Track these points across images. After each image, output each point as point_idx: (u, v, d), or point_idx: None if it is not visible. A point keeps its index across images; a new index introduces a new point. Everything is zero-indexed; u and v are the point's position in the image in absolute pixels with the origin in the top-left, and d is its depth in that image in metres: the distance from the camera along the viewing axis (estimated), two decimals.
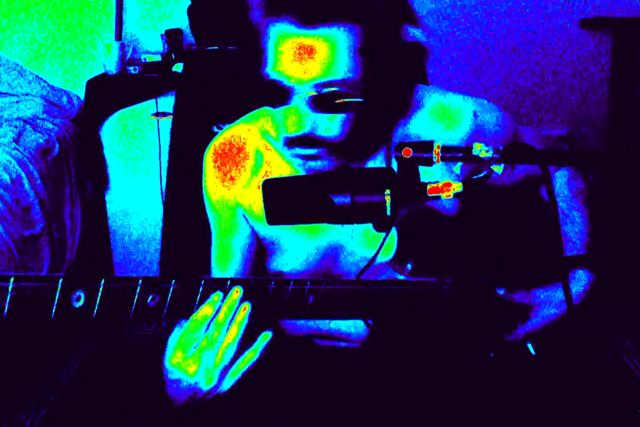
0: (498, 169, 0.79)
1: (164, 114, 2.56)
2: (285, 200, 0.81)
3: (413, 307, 0.99)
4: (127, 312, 0.79)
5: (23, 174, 2.18)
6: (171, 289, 0.81)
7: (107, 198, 2.72)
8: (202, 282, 0.83)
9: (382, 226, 0.83)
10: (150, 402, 1.25)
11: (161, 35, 2.61)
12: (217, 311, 0.84)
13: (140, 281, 0.78)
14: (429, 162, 0.79)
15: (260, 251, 1.20)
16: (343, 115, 0.92)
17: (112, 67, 2.50)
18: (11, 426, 1.85)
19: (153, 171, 2.63)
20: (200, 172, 1.17)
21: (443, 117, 1.07)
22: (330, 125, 0.93)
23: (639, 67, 2.77)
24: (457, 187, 0.80)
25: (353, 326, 1.14)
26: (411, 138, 1.07)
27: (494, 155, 0.77)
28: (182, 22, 2.60)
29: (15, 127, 2.39)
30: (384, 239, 0.93)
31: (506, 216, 1.20)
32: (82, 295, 0.75)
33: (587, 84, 2.84)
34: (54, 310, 0.73)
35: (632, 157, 0.86)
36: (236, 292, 0.84)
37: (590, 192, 1.22)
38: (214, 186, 1.15)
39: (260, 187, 0.81)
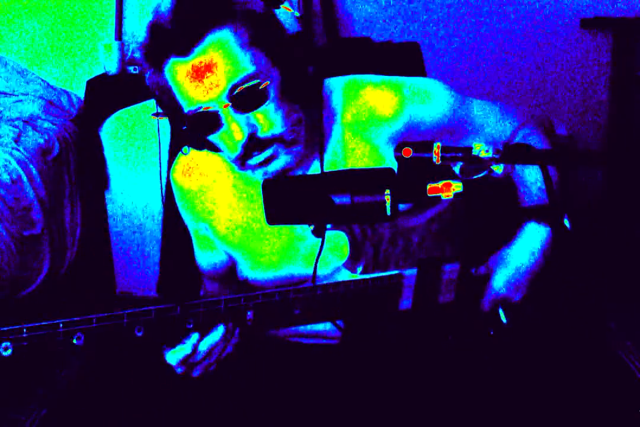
0: (498, 169, 0.79)
1: (164, 114, 2.56)
2: (285, 200, 0.81)
3: (372, 302, 1.01)
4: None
5: (23, 174, 2.18)
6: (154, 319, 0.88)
7: (107, 198, 2.71)
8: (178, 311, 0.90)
9: (318, 231, 0.86)
10: (150, 402, 1.26)
11: None
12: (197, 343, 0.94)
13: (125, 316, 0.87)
14: (429, 162, 0.79)
15: (230, 259, 1.23)
16: (271, 109, 0.96)
17: (112, 67, 2.50)
18: (11, 426, 1.85)
19: (153, 171, 2.63)
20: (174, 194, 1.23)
21: (370, 104, 1.09)
22: (267, 121, 0.97)
23: (639, 67, 2.77)
24: (457, 187, 0.80)
25: (327, 325, 1.14)
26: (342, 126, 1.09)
27: (494, 155, 0.78)
28: None
29: (15, 127, 2.39)
30: (322, 244, 0.96)
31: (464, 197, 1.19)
32: (82, 336, 0.84)
33: (587, 84, 2.84)
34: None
35: (632, 157, 0.86)
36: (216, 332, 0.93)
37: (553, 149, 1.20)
38: (182, 203, 1.21)
39: (260, 187, 0.81)
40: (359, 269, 1.05)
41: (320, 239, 0.99)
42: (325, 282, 1.01)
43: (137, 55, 1.00)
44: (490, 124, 1.17)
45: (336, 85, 1.12)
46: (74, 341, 0.85)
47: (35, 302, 2.21)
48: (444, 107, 1.11)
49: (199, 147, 1.02)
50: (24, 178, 2.18)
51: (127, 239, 2.78)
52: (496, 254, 1.11)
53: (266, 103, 0.96)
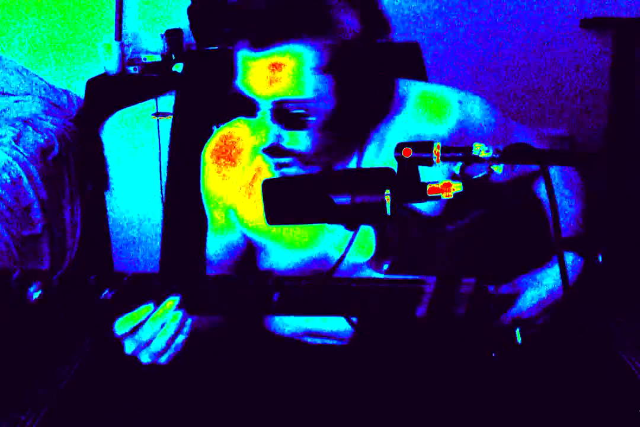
0: (498, 169, 0.79)
1: (164, 114, 2.56)
2: (285, 201, 0.81)
3: (392, 305, 1.00)
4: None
5: (23, 174, 2.18)
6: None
7: (107, 198, 2.71)
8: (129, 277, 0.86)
9: (351, 225, 0.85)
10: (150, 402, 1.26)
11: (161, 35, 2.61)
12: (149, 316, 0.89)
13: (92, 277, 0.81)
14: (429, 162, 0.79)
15: (248, 250, 1.22)
16: (305, 134, 0.95)
17: (112, 67, 2.50)
18: (11, 426, 1.85)
19: (153, 171, 2.63)
20: (200, 172, 1.19)
21: (427, 107, 1.08)
22: (294, 139, 0.96)
23: (639, 67, 2.77)
24: (457, 187, 0.80)
25: (337, 325, 1.14)
26: (396, 132, 1.08)
27: (494, 155, 0.78)
28: (182, 22, 2.60)
29: (15, 127, 2.39)
30: (353, 237, 0.94)
31: (494, 211, 1.20)
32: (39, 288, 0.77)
33: (587, 84, 2.84)
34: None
35: (632, 157, 0.86)
36: (169, 303, 0.88)
37: (585, 187, 1.21)
38: (209, 182, 1.17)
39: (260, 187, 0.81)
40: (386, 266, 1.03)
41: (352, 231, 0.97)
42: (354, 275, 0.99)
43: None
44: None
45: (411, 91, 1.10)
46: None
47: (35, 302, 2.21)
48: (487, 126, 1.12)
49: (241, 113, 1.02)
50: (24, 178, 2.18)
51: (127, 239, 2.78)
52: (527, 275, 1.11)
53: (304, 129, 0.95)
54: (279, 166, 0.99)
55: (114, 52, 2.49)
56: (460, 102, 1.09)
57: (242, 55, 0.94)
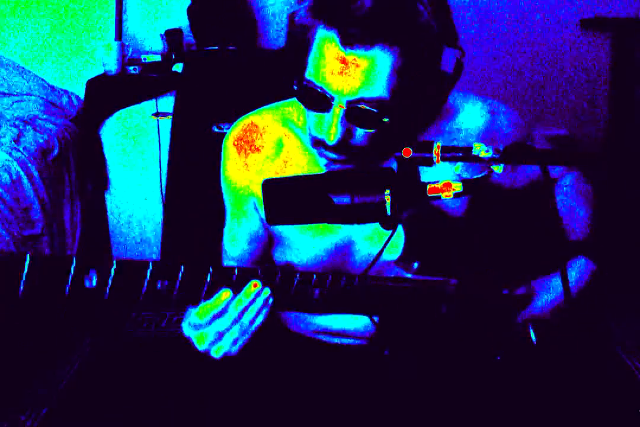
0: (498, 169, 0.79)
1: (164, 114, 2.56)
2: (285, 200, 0.81)
3: (418, 305, 0.99)
4: (137, 295, 0.80)
5: (23, 174, 2.18)
6: (180, 275, 0.82)
7: (107, 198, 2.71)
8: (210, 270, 0.85)
9: (388, 224, 0.84)
10: (150, 402, 1.26)
11: (161, 35, 2.61)
12: (228, 304, 0.88)
13: (150, 265, 0.79)
14: (429, 162, 0.79)
15: (268, 241, 1.21)
16: (377, 133, 0.94)
17: (112, 67, 2.50)
18: (11, 426, 1.85)
19: (153, 171, 2.63)
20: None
21: (462, 119, 1.10)
22: (358, 135, 0.95)
23: (639, 67, 2.77)
24: (457, 187, 0.80)
25: (358, 323, 1.14)
26: (442, 140, 1.09)
27: (494, 155, 0.78)
28: (182, 22, 2.60)
29: (15, 127, 2.39)
30: (390, 237, 0.94)
31: (512, 216, 1.21)
32: (95, 276, 0.76)
33: (587, 84, 2.84)
34: (67, 289, 0.74)
35: (632, 157, 0.86)
36: (254, 286, 0.88)
37: (595, 196, 1.24)
38: (231, 171, 1.16)
39: (260, 187, 0.81)
40: (416, 265, 1.03)
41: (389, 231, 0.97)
42: (384, 275, 0.99)
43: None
44: None
45: (471, 106, 1.12)
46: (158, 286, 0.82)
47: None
48: (512, 133, 1.13)
49: (312, 106, 0.98)
50: (24, 178, 2.18)
51: (127, 239, 2.78)
52: (543, 279, 1.12)
53: (372, 129, 0.95)
54: (332, 160, 0.99)
55: (114, 52, 2.49)
56: (492, 114, 1.10)
57: (327, 43, 0.91)
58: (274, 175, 1.10)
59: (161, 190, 2.61)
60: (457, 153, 0.79)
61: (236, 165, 1.14)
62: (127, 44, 2.58)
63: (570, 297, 0.86)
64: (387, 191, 0.78)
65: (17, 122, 2.44)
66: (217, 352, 0.92)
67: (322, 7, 0.91)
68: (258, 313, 0.90)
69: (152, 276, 0.80)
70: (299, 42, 0.94)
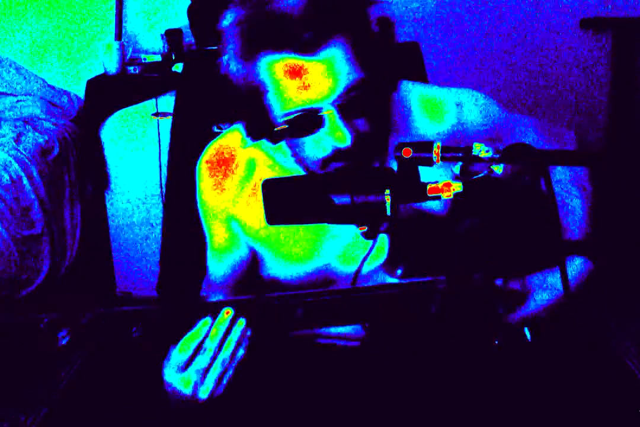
0: (498, 169, 0.79)
1: (164, 114, 2.56)
2: (285, 200, 0.81)
3: (407, 308, 1.00)
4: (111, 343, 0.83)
5: (23, 174, 2.18)
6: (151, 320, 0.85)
7: (107, 198, 2.71)
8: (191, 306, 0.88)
9: (369, 234, 0.85)
10: (150, 402, 1.25)
11: (161, 35, 2.61)
12: (208, 332, 0.88)
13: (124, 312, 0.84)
14: (429, 162, 0.79)
15: (252, 259, 1.20)
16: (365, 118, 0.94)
17: (112, 67, 2.50)
18: (11, 426, 1.85)
19: (153, 171, 2.63)
20: (196, 187, 1.19)
21: (426, 109, 1.09)
22: (361, 124, 0.95)
23: (639, 67, 2.77)
24: (457, 187, 0.80)
25: (349, 327, 1.14)
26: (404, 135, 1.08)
27: (494, 155, 0.78)
28: (182, 22, 2.60)
29: (15, 127, 2.39)
30: (372, 247, 0.94)
31: (503, 207, 1.20)
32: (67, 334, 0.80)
33: (587, 84, 2.84)
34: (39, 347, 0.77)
35: (632, 157, 0.86)
36: (227, 313, 0.88)
37: (592, 185, 1.21)
38: (207, 194, 1.16)
39: (260, 186, 0.81)
40: (399, 272, 1.03)
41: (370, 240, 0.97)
42: (364, 284, 1.00)
43: (230, 45, 0.92)
44: (529, 141, 1.18)
45: (409, 91, 1.11)
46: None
47: (35, 302, 2.21)
48: (488, 120, 1.12)
49: (275, 142, 0.98)
50: (24, 178, 2.18)
51: (127, 239, 2.78)
52: (539, 275, 1.11)
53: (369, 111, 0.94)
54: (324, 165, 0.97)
55: (114, 52, 2.49)
56: (458, 104, 1.10)
57: (285, 68, 0.89)
58: (248, 197, 1.12)
59: (161, 190, 2.61)
60: (457, 153, 0.79)
61: (212, 189, 1.14)
62: (127, 44, 2.58)
63: (569, 294, 0.86)
64: (387, 191, 0.78)
65: (17, 122, 2.44)
66: (203, 393, 0.90)
67: (264, 34, 0.89)
68: (238, 346, 0.89)
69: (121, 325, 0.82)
70: (248, 87, 0.93)
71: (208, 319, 0.88)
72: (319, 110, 0.92)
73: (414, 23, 2.73)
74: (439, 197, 0.80)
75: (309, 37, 0.87)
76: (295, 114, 0.92)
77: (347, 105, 0.92)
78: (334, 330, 1.16)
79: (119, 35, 2.65)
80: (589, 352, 1.26)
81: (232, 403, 1.12)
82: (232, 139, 1.13)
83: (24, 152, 2.23)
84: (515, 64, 2.82)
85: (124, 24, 2.68)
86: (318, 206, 0.80)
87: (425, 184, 0.80)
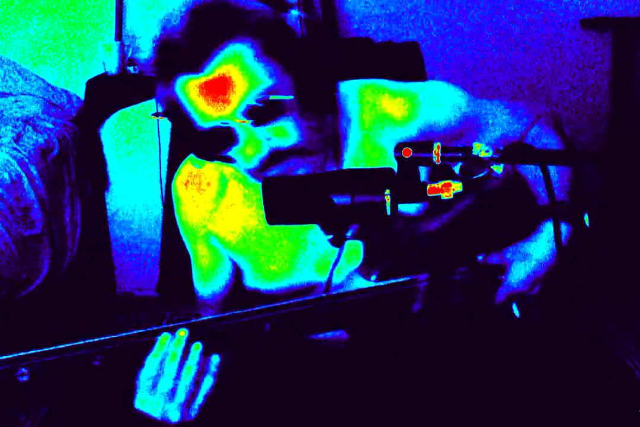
0: (498, 169, 0.79)
1: (164, 114, 2.56)
2: (284, 200, 0.81)
3: (386, 310, 1.00)
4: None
5: (23, 174, 2.18)
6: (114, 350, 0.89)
7: (107, 198, 2.71)
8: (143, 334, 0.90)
9: (336, 241, 0.85)
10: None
11: None
12: (167, 352, 0.90)
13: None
14: (429, 162, 0.79)
15: (236, 272, 1.21)
16: (289, 122, 0.93)
17: (112, 67, 2.50)
18: (11, 426, 1.85)
19: (153, 171, 2.63)
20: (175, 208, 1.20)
21: (388, 107, 1.08)
22: (286, 134, 0.94)
23: (639, 67, 2.77)
24: (457, 187, 0.80)
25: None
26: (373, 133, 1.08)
27: (494, 156, 0.78)
28: None
29: (15, 127, 2.39)
30: (339, 254, 0.95)
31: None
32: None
33: (587, 84, 2.84)
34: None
35: (632, 157, 0.86)
36: (181, 333, 0.89)
37: (568, 147, 1.19)
38: (184, 212, 1.17)
39: (260, 186, 0.81)
40: (374, 277, 1.04)
41: (333, 247, 0.97)
42: (339, 290, 1.00)
43: (145, 69, 0.97)
44: (501, 123, 1.16)
45: (352, 89, 1.10)
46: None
47: (35, 302, 2.21)
48: (457, 111, 1.11)
49: (211, 160, 0.98)
50: (24, 178, 2.18)
51: (127, 239, 2.78)
52: (514, 246, 1.10)
53: (285, 115, 0.93)
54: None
55: (114, 52, 2.49)
56: (419, 98, 1.09)
57: (186, 85, 0.91)
58: (224, 212, 1.13)
59: (161, 190, 2.61)
60: (457, 153, 0.79)
61: (188, 206, 1.16)
62: (127, 44, 2.58)
63: (561, 249, 0.86)
64: (387, 191, 0.78)
65: (17, 122, 2.43)
66: (174, 417, 0.92)
67: (163, 61, 0.93)
68: (200, 372, 0.90)
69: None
70: (173, 108, 0.96)
71: (166, 335, 0.89)
72: (230, 123, 0.92)
73: (412, 22, 2.73)
74: (439, 197, 0.80)
75: (192, 56, 0.89)
76: (208, 129, 0.93)
77: (257, 111, 0.91)
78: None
79: (119, 35, 2.65)
80: (589, 352, 1.26)
81: (217, 403, 1.13)
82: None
83: (23, 152, 2.23)
84: (514, 64, 2.82)
85: (124, 24, 2.68)
86: (318, 206, 0.80)
87: (425, 184, 0.80)
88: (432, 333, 1.10)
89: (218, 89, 0.90)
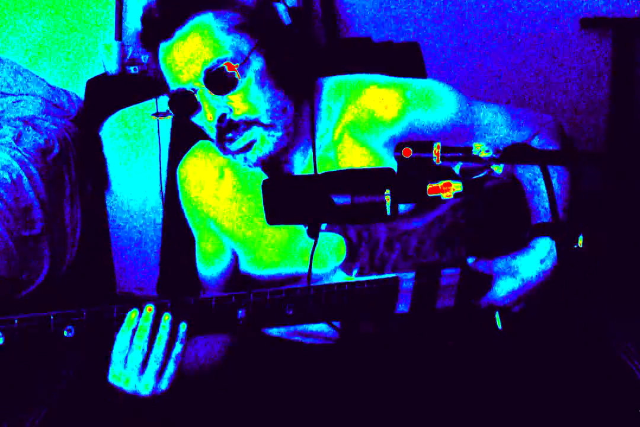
0: (498, 169, 0.79)
1: (164, 114, 2.56)
2: (285, 200, 0.81)
3: (369, 305, 1.01)
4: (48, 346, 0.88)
5: (23, 174, 2.18)
6: (85, 320, 0.89)
7: (107, 198, 2.71)
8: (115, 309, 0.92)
9: (311, 232, 0.86)
10: (150, 402, 1.26)
11: None
12: (137, 327, 0.92)
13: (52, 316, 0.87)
14: (429, 162, 0.79)
15: (235, 256, 1.24)
16: (251, 93, 0.99)
17: (112, 67, 2.50)
18: (11, 426, 1.85)
19: (153, 171, 2.63)
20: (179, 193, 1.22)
21: (352, 92, 1.10)
22: (243, 105, 0.99)
23: (639, 67, 2.77)
24: (457, 187, 0.80)
25: (323, 325, 1.14)
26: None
27: (494, 155, 0.78)
28: None
29: (15, 127, 2.39)
30: (314, 245, 0.95)
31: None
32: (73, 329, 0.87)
33: (587, 84, 2.84)
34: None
35: (632, 157, 0.86)
36: (148, 310, 0.93)
37: (571, 178, 1.18)
38: (190, 202, 1.20)
39: (260, 186, 0.81)
40: (355, 272, 1.05)
41: (313, 239, 0.98)
42: (322, 282, 1.01)
43: (138, 45, 1.06)
44: (499, 134, 1.14)
45: (338, 83, 1.11)
46: (65, 333, 0.86)
47: (35, 302, 2.21)
48: (450, 113, 1.09)
49: (187, 120, 1.05)
50: (24, 178, 2.18)
51: (127, 239, 2.78)
52: (504, 259, 1.10)
53: (239, 86, 0.98)
54: (244, 150, 1.01)
55: (114, 52, 2.49)
56: (410, 96, 1.09)
57: (162, 52, 1.00)
58: (221, 199, 1.16)
59: (161, 190, 2.61)
60: (457, 153, 0.79)
61: (192, 195, 1.19)
62: (127, 44, 2.57)
63: (557, 215, 0.86)
64: (387, 191, 0.78)
65: (17, 122, 2.43)
66: (145, 390, 0.94)
67: (145, 30, 1.02)
68: (170, 342, 0.93)
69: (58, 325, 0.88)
70: (161, 78, 1.04)
71: (135, 311, 0.92)
72: (191, 88, 0.99)
73: (412, 23, 2.73)
74: (439, 197, 0.80)
75: (165, 23, 0.99)
76: (174, 91, 1.01)
77: (211, 80, 0.98)
78: (311, 328, 1.16)
79: (119, 35, 2.65)
80: (588, 352, 1.26)
81: (207, 400, 1.13)
82: (204, 147, 1.19)
83: (23, 152, 2.23)
84: (514, 64, 2.82)
85: (124, 24, 2.68)
86: (318, 206, 0.80)
87: (425, 184, 0.80)
88: (426, 332, 1.10)
89: (183, 53, 0.98)
